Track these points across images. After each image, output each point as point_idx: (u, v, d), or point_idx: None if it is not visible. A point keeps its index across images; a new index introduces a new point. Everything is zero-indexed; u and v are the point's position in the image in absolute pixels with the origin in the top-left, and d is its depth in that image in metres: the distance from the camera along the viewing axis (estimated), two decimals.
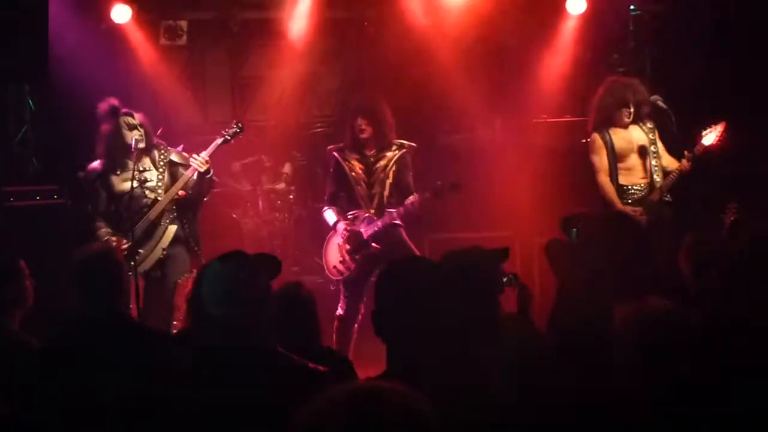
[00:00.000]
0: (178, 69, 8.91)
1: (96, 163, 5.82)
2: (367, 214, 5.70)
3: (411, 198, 5.60)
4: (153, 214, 5.76)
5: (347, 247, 5.69)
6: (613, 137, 6.11)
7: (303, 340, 3.40)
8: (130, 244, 5.60)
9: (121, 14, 7.73)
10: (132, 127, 5.72)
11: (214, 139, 5.90)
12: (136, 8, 7.82)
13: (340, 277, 5.76)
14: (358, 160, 5.76)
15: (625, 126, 6.11)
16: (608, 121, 6.13)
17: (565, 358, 2.72)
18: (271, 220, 8.75)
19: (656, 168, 6.06)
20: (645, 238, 3.00)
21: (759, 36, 7.03)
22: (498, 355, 2.58)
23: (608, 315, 2.44)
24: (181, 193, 5.81)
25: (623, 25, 7.94)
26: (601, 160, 6.14)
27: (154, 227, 5.78)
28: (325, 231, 6.01)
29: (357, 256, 5.67)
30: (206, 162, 5.68)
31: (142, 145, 5.72)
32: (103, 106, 5.79)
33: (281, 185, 8.77)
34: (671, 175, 5.98)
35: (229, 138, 5.90)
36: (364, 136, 5.71)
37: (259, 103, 9.22)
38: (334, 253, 5.77)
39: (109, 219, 5.79)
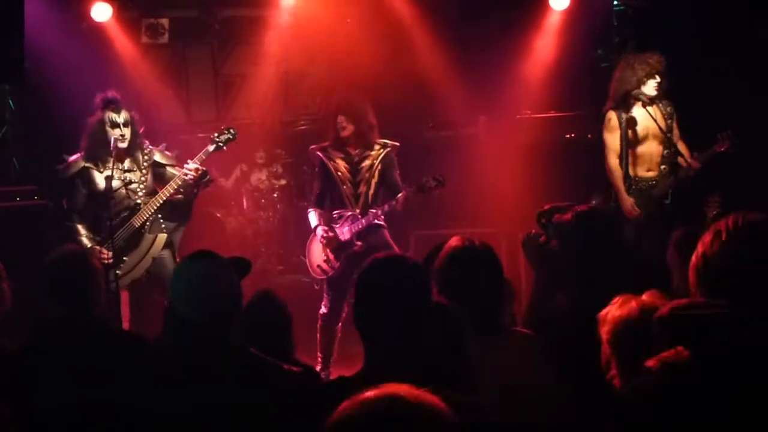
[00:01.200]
0: (160, 67, 8.87)
1: (76, 156, 5.52)
2: (351, 213, 5.68)
3: (398, 195, 5.57)
4: (137, 221, 5.48)
5: (329, 249, 5.66)
6: (629, 121, 5.89)
7: (275, 350, 3.32)
8: (111, 254, 5.26)
9: (102, 12, 7.68)
10: (114, 125, 5.41)
11: (197, 138, 5.82)
12: (117, 6, 7.77)
13: (324, 276, 5.74)
14: (343, 159, 5.73)
15: (651, 101, 5.86)
16: (630, 98, 5.89)
17: (545, 353, 2.70)
18: (256, 219, 8.72)
19: (666, 159, 5.92)
20: (616, 231, 2.98)
21: (744, 29, 7.02)
22: (492, 354, 2.55)
23: (582, 309, 2.42)
24: (168, 194, 5.47)
25: (607, 20, 7.95)
26: (614, 140, 5.94)
27: (139, 236, 5.50)
28: (309, 230, 5.97)
29: (342, 255, 5.65)
30: (198, 171, 5.39)
31: (123, 145, 5.42)
32: (98, 97, 5.49)
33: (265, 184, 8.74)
34: (677, 176, 5.84)
35: (221, 145, 5.62)
36: (345, 134, 5.69)
37: (242, 101, 9.19)
38: (318, 252, 5.74)
39: (87, 218, 5.49)
